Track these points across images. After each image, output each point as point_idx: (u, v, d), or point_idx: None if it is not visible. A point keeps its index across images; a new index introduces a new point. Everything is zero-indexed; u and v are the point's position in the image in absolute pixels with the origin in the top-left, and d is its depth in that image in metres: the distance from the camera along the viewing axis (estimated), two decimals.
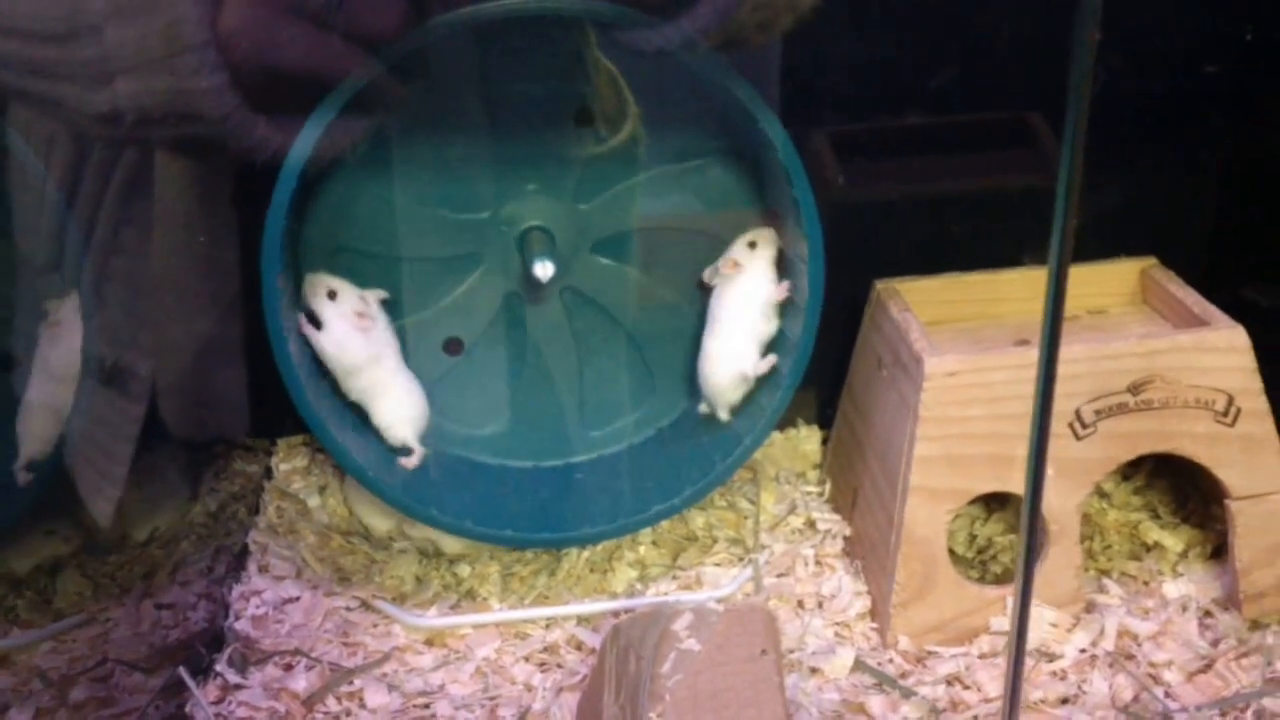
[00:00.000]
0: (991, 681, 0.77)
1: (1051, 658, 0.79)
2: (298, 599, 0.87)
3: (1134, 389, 0.79)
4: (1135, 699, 0.76)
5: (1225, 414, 0.79)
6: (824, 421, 1.02)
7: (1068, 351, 0.78)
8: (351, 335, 0.83)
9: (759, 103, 0.80)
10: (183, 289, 0.87)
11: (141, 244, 0.82)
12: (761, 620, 0.72)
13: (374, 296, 0.85)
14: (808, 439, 1.02)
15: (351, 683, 0.79)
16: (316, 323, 0.83)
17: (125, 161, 0.79)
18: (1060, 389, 0.77)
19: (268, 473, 1.01)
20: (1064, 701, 0.76)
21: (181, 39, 0.65)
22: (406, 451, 0.86)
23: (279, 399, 0.82)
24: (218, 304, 0.89)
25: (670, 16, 0.74)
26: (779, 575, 0.88)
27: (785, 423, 1.02)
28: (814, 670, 0.79)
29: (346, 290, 0.83)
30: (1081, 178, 0.47)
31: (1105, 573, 0.86)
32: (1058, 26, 0.87)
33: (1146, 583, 0.85)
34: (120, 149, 0.78)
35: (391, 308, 0.88)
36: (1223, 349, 0.79)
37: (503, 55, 0.84)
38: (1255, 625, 0.81)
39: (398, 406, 0.86)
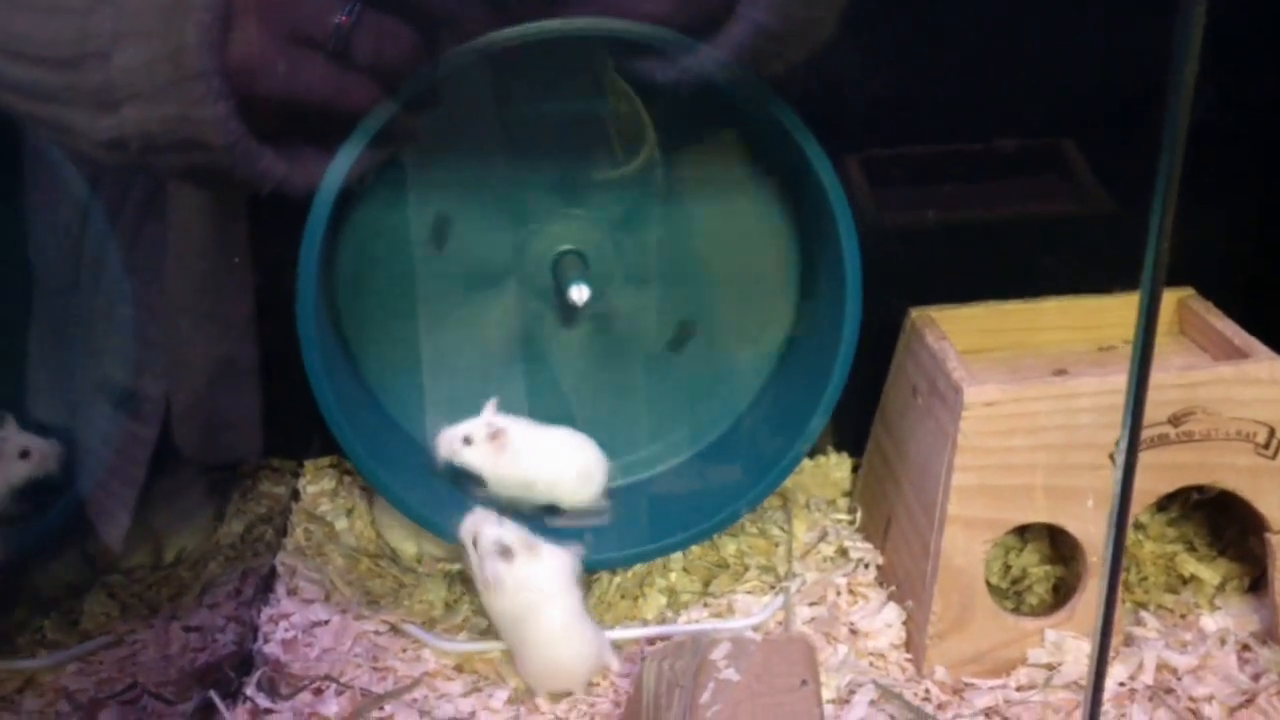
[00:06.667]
0: (1030, 714, 0.76)
1: None
2: (327, 622, 0.86)
3: (1175, 420, 0.78)
4: None
5: (1266, 446, 0.79)
6: (854, 449, 1.01)
7: (1109, 382, 0.77)
8: (503, 461, 0.84)
9: (799, 126, 0.80)
10: (201, 311, 0.87)
11: (159, 266, 0.82)
12: (801, 650, 0.72)
13: (490, 410, 0.85)
14: (838, 466, 1.01)
15: (382, 708, 0.79)
16: (480, 480, 0.84)
17: (139, 184, 0.79)
18: (1102, 420, 0.77)
19: (295, 495, 1.00)
20: None
21: (188, 66, 0.65)
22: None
23: (305, 420, 0.82)
24: (236, 326, 0.89)
25: (704, 37, 0.74)
26: (811, 604, 0.87)
27: (815, 450, 1.02)
28: (848, 701, 0.78)
29: (474, 427, 0.84)
30: (1175, 203, 0.47)
31: (1142, 605, 0.85)
32: (1096, 53, 0.87)
33: (1184, 615, 0.85)
34: (133, 172, 0.78)
35: (423, 330, 0.88)
36: (1264, 381, 0.79)
37: (530, 78, 0.84)
38: None
39: (573, 487, 0.86)
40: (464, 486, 0.86)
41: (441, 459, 0.84)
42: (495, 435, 0.84)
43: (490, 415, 0.84)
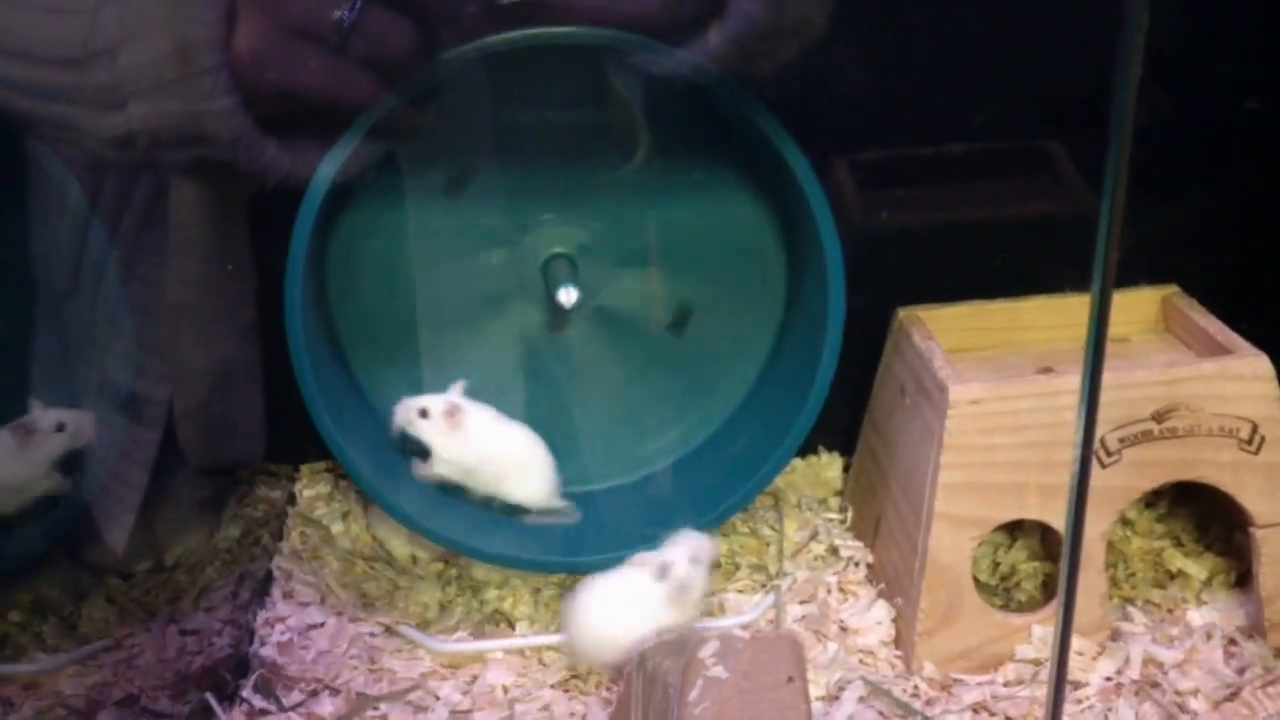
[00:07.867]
0: (1017, 709, 0.77)
1: (1077, 685, 0.78)
2: (322, 625, 0.87)
3: (1158, 417, 0.79)
4: None
5: (1249, 442, 0.79)
6: (845, 448, 1.02)
7: None
8: (453, 440, 0.85)
9: (778, 129, 0.80)
10: (202, 315, 0.88)
11: (160, 270, 0.83)
12: (788, 647, 0.72)
13: (456, 390, 0.86)
14: (829, 466, 1.02)
15: (377, 708, 0.79)
16: (424, 451, 0.85)
17: (140, 187, 0.80)
18: None
19: (291, 499, 1.01)
20: None
21: (194, 62, 0.66)
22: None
23: (301, 425, 0.83)
24: (237, 329, 0.90)
25: (682, 42, 0.75)
26: (802, 602, 0.88)
27: (806, 449, 1.02)
28: (837, 698, 0.79)
29: (432, 401, 0.85)
30: (1124, 206, 0.48)
31: (1129, 600, 0.86)
32: (1079, 54, 0.88)
33: (1171, 610, 0.85)
34: (134, 175, 0.79)
35: (416, 337, 0.88)
36: (1247, 377, 0.79)
37: (520, 83, 0.85)
38: None
39: (523, 481, 0.87)
40: (409, 459, 0.86)
41: (396, 427, 0.85)
42: (451, 413, 0.84)
43: (454, 395, 0.85)
